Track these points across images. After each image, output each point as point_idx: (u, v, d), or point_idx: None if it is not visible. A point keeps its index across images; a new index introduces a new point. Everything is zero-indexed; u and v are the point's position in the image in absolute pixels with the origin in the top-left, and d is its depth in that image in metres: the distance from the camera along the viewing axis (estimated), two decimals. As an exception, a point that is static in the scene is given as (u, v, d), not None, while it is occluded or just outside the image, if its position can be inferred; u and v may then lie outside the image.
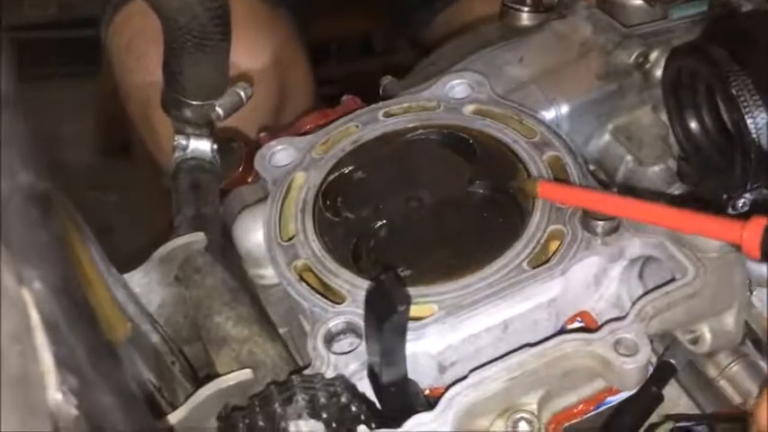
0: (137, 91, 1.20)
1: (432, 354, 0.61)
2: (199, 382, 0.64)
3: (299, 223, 0.70)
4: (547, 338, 0.60)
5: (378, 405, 0.58)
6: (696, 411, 0.69)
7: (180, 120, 0.82)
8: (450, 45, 0.94)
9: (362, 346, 0.59)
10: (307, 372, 0.59)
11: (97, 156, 2.04)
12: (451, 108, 0.77)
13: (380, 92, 0.90)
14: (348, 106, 0.86)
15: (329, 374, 0.58)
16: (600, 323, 0.62)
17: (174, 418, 0.57)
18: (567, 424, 0.63)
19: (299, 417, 0.54)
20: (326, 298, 0.64)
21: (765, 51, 0.69)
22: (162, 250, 0.71)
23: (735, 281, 0.64)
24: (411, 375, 0.59)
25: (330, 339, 0.61)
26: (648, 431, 0.65)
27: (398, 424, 0.56)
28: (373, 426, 0.55)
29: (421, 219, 0.69)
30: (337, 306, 0.63)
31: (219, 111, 0.80)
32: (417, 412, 0.57)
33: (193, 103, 0.80)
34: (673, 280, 0.62)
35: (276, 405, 0.54)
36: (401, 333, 0.56)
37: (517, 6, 0.92)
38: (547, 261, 0.63)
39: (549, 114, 0.80)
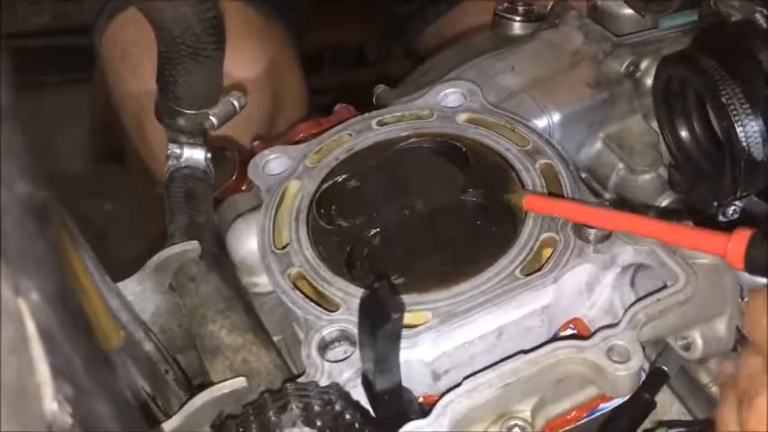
0: (131, 100, 1.20)
1: (426, 361, 0.61)
2: (193, 391, 0.64)
3: (292, 231, 0.70)
4: (540, 345, 0.61)
5: (372, 413, 0.59)
6: (688, 417, 0.70)
7: (174, 128, 0.82)
8: (442, 54, 0.95)
9: (356, 354, 0.60)
10: (301, 380, 0.59)
11: (91, 164, 2.04)
12: (444, 117, 0.78)
13: (373, 101, 0.90)
14: (341, 115, 0.86)
15: (323, 382, 0.59)
16: (593, 330, 0.62)
17: (168, 426, 0.57)
18: (560, 431, 0.64)
19: (294, 425, 0.54)
20: (320, 306, 0.64)
21: (755, 60, 0.69)
22: (156, 259, 0.71)
23: (726, 287, 0.65)
24: (405, 383, 0.59)
25: (324, 347, 0.61)
26: (641, 437, 0.65)
27: (393, 431, 0.56)
28: (367, 433, 0.56)
29: (414, 227, 0.70)
30: (331, 314, 0.63)
31: (213, 120, 0.81)
32: (411, 420, 0.57)
33: (187, 112, 0.80)
34: (664, 287, 0.63)
35: (270, 413, 0.54)
36: (395, 341, 0.56)
37: (509, 16, 0.92)
38: (539, 269, 0.64)
39: (541, 123, 0.81)
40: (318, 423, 0.54)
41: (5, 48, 0.35)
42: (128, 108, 1.23)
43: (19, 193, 0.32)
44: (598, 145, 0.84)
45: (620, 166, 0.82)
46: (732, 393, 0.57)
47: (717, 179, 0.72)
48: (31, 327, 0.34)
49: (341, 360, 0.60)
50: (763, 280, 0.67)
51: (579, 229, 0.65)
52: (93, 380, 0.36)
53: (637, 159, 0.82)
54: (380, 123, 0.78)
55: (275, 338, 0.72)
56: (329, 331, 0.62)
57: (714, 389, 0.70)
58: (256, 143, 0.89)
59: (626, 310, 0.61)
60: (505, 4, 0.93)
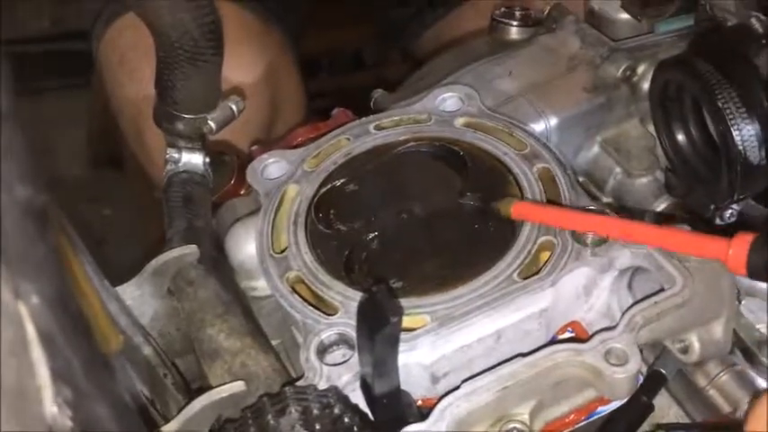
0: (129, 105, 1.21)
1: (424, 364, 0.61)
2: (191, 395, 0.64)
3: (291, 235, 0.70)
4: (538, 349, 0.61)
5: (370, 416, 0.59)
6: (686, 420, 0.70)
7: (172, 133, 0.82)
8: (440, 59, 0.95)
9: (355, 358, 0.60)
10: (299, 383, 0.59)
11: (89, 169, 2.04)
12: (442, 121, 0.78)
13: (371, 105, 0.91)
14: (339, 119, 0.87)
15: (322, 386, 0.59)
16: (590, 333, 0.63)
17: (167, 429, 0.57)
18: (558, 434, 0.64)
19: (292, 428, 0.54)
20: (319, 309, 0.64)
21: (750, 65, 0.70)
22: (154, 263, 0.71)
23: (723, 290, 0.65)
24: (404, 386, 0.59)
25: (323, 351, 0.61)
26: (639, 440, 0.65)
27: (391, 435, 0.56)
28: (366, 437, 0.56)
29: (412, 230, 0.70)
30: (330, 318, 0.63)
31: (212, 124, 0.81)
32: (410, 423, 0.57)
33: (186, 116, 0.80)
34: (661, 290, 0.63)
35: (269, 417, 0.54)
36: (393, 344, 0.56)
37: (506, 21, 0.93)
38: (537, 272, 0.64)
39: (538, 127, 0.81)
40: (317, 426, 0.54)
41: (5, 52, 0.35)
42: (126, 113, 1.23)
43: (19, 196, 0.32)
44: (595, 149, 0.84)
45: (618, 169, 0.83)
46: None
47: (713, 183, 0.73)
48: (30, 330, 0.34)
49: (339, 363, 0.60)
50: (761, 284, 0.67)
51: (577, 233, 0.65)
52: (92, 383, 0.37)
53: (634, 163, 0.82)
54: (378, 127, 0.79)
55: (274, 342, 0.72)
56: (328, 335, 0.62)
57: (711, 392, 0.70)
58: (255, 147, 0.89)
59: (623, 314, 0.61)
60: (503, 9, 0.93)
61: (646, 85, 0.81)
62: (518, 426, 0.59)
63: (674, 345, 0.66)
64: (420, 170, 0.76)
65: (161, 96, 0.80)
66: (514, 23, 0.93)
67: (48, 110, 1.88)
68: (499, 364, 0.60)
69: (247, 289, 0.76)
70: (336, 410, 0.55)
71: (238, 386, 0.60)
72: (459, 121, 0.78)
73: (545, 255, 0.65)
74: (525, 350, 0.62)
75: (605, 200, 0.83)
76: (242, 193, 0.86)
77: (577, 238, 0.65)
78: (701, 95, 0.71)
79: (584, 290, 0.66)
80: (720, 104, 0.68)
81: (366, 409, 0.59)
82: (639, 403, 0.64)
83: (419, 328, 0.61)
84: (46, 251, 0.34)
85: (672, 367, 0.68)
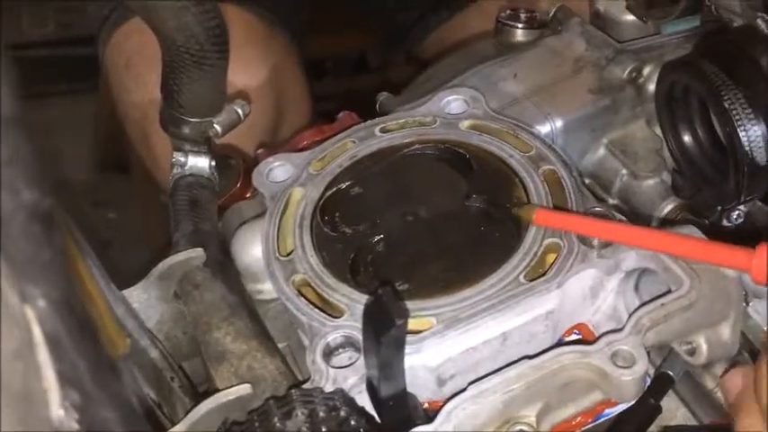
0: (135, 109, 1.21)
1: (430, 367, 0.61)
2: (198, 398, 0.64)
3: (297, 238, 0.70)
4: (545, 351, 0.61)
5: (377, 418, 0.59)
6: (694, 422, 0.69)
7: (178, 137, 0.82)
8: (445, 61, 0.95)
9: (361, 360, 0.60)
10: (306, 386, 0.59)
11: (96, 172, 2.05)
12: (448, 123, 0.78)
13: (377, 108, 0.91)
14: (345, 122, 0.87)
15: (328, 388, 0.59)
16: (597, 335, 0.62)
17: (173, 433, 0.57)
18: (565, 436, 0.64)
19: (299, 431, 0.54)
20: (325, 312, 0.64)
21: (756, 66, 0.70)
22: (161, 266, 0.71)
23: (730, 292, 0.65)
24: (410, 388, 0.59)
25: (329, 353, 0.61)
26: (647, 443, 0.65)
27: (398, 437, 0.56)
28: (372, 439, 0.56)
29: (418, 233, 0.70)
30: (336, 320, 0.63)
31: (217, 128, 0.81)
32: (416, 425, 0.57)
33: (191, 120, 0.80)
34: (668, 292, 0.63)
35: (275, 420, 0.54)
36: (399, 347, 0.56)
37: (511, 23, 0.93)
38: (544, 274, 0.64)
39: (543, 129, 0.81)
40: (323, 429, 0.54)
41: (10, 57, 0.35)
42: (132, 117, 1.23)
43: (25, 200, 0.33)
44: (601, 151, 0.84)
45: (624, 171, 0.83)
46: (754, 407, 0.56)
47: (720, 184, 0.73)
48: (37, 333, 0.34)
49: (345, 366, 0.60)
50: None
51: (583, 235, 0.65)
52: (99, 387, 0.37)
53: (640, 165, 0.82)
54: (384, 130, 0.79)
55: (280, 345, 0.72)
56: (334, 337, 0.62)
57: (719, 394, 0.70)
58: (260, 151, 0.89)
59: (630, 315, 0.61)
60: (508, 12, 0.93)
61: (652, 87, 0.81)
62: (525, 428, 0.59)
63: (682, 346, 0.66)
64: (425, 173, 0.76)
65: (167, 100, 0.80)
66: (520, 26, 0.93)
67: (53, 115, 1.89)
68: (505, 366, 0.60)
69: (253, 292, 0.76)
70: (343, 413, 0.55)
71: (245, 389, 0.60)
72: (465, 124, 0.78)
73: (551, 257, 0.65)
74: (532, 352, 0.61)
75: (611, 202, 0.83)
76: (248, 196, 0.86)
77: (584, 240, 0.65)
78: (708, 97, 0.71)
79: (591, 292, 0.66)
80: (727, 106, 0.68)
81: (372, 412, 0.59)
82: (647, 405, 0.64)
83: (425, 330, 0.61)
84: (52, 255, 0.34)
85: (679, 369, 0.67)
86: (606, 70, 0.83)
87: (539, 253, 0.65)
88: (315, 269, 0.67)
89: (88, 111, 1.93)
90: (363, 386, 0.59)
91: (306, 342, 0.67)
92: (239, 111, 0.82)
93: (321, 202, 0.73)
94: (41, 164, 0.35)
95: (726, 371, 0.67)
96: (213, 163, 0.84)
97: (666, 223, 0.79)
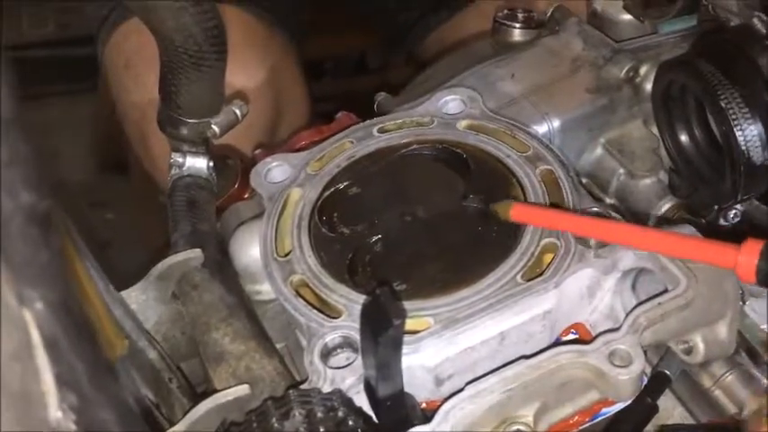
0: (134, 109, 1.21)
1: (428, 367, 0.61)
2: (196, 398, 0.65)
3: (295, 239, 0.70)
4: (542, 350, 0.61)
5: (375, 419, 0.59)
6: (691, 421, 0.70)
7: (176, 138, 0.82)
8: (443, 62, 0.95)
9: (359, 361, 0.60)
10: (304, 386, 0.59)
11: (95, 173, 2.05)
12: (445, 123, 0.78)
13: (375, 108, 0.91)
14: (343, 122, 0.87)
15: (326, 389, 0.59)
16: (594, 335, 0.63)
17: (172, 433, 0.57)
18: (563, 436, 0.64)
19: (297, 431, 0.54)
20: (323, 313, 0.64)
21: (753, 65, 0.70)
22: (159, 267, 0.71)
23: (727, 291, 0.65)
24: (407, 388, 0.59)
25: (327, 354, 0.61)
26: (644, 442, 0.65)
27: (395, 437, 0.56)
28: (370, 439, 0.56)
29: (416, 233, 0.70)
30: (334, 321, 0.63)
31: (215, 128, 0.81)
32: (414, 425, 0.57)
33: (189, 121, 0.81)
34: (665, 291, 0.63)
35: (273, 420, 0.54)
36: (397, 347, 0.56)
37: (509, 23, 0.93)
38: (541, 274, 0.64)
39: (541, 129, 0.81)
40: (321, 429, 0.54)
41: (9, 58, 0.35)
42: (131, 117, 1.24)
43: (23, 202, 0.33)
44: (598, 150, 0.84)
45: (621, 171, 0.83)
46: None
47: (717, 183, 0.73)
48: (35, 335, 0.34)
49: (343, 366, 0.60)
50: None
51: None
52: (96, 388, 0.37)
53: (637, 164, 0.82)
54: (382, 130, 0.79)
55: (278, 345, 0.72)
56: (332, 338, 0.62)
57: (716, 392, 0.70)
58: (258, 151, 0.89)
59: (627, 315, 0.61)
60: (505, 12, 0.93)
61: (649, 86, 0.81)
62: (522, 428, 0.59)
63: (678, 346, 0.66)
64: (423, 173, 0.76)
65: (165, 101, 0.81)
66: (517, 25, 0.93)
67: (52, 115, 1.89)
68: (503, 366, 0.60)
69: (251, 292, 0.76)
70: (340, 413, 0.56)
71: (243, 390, 0.60)
72: (462, 124, 0.78)
73: (548, 257, 0.65)
74: (529, 352, 0.62)
75: (609, 201, 0.83)
76: (246, 196, 0.86)
77: (581, 239, 0.65)
78: (704, 96, 0.71)
79: (588, 291, 0.66)
80: (723, 105, 0.68)
81: (370, 412, 0.59)
82: (644, 404, 0.64)
83: (423, 330, 0.62)
84: (50, 257, 0.34)
85: (676, 368, 0.68)
86: (603, 70, 0.84)
87: (536, 253, 0.65)
88: (313, 269, 0.67)
89: (87, 111, 1.93)
90: (361, 386, 0.60)
91: (304, 342, 0.67)
92: (237, 111, 0.82)
93: (319, 202, 0.73)
94: (40, 166, 0.35)
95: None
96: (211, 163, 0.84)
97: (664, 222, 0.79)
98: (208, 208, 0.82)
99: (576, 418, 0.63)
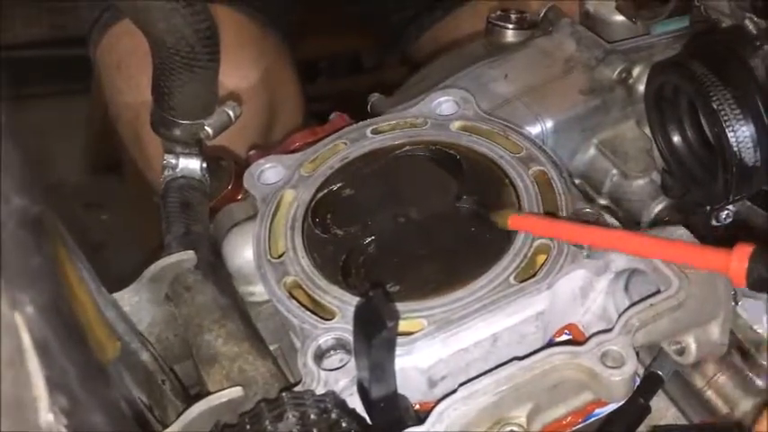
0: (127, 110, 1.21)
1: (421, 368, 0.61)
2: (190, 400, 0.65)
3: (288, 240, 0.70)
4: (535, 351, 0.61)
5: (368, 420, 0.59)
6: (684, 422, 0.70)
7: (169, 139, 0.82)
8: (436, 63, 0.95)
9: (352, 362, 0.60)
10: (297, 388, 0.59)
11: (88, 174, 2.05)
12: (438, 125, 0.78)
13: (368, 109, 0.91)
14: (336, 124, 0.87)
15: (319, 391, 0.59)
16: (587, 335, 0.63)
17: (165, 436, 0.57)
18: (556, 436, 0.64)
19: (290, 433, 0.54)
20: (316, 314, 0.64)
21: (745, 66, 0.70)
22: (152, 269, 0.71)
23: (719, 291, 0.65)
24: (401, 390, 0.59)
25: (320, 356, 0.61)
26: (637, 442, 0.65)
27: (389, 439, 0.56)
28: (364, 441, 0.56)
29: (409, 234, 0.70)
30: (327, 322, 0.63)
31: (209, 130, 0.81)
32: (407, 427, 0.57)
33: (182, 122, 0.80)
34: (658, 292, 0.63)
35: (267, 422, 0.54)
36: (390, 349, 0.56)
37: (502, 24, 0.93)
38: (534, 275, 0.64)
39: (534, 130, 0.82)
40: (315, 431, 0.54)
41: (2, 59, 0.35)
42: (124, 118, 1.23)
43: (15, 207, 0.33)
44: (592, 151, 0.84)
45: (614, 171, 0.83)
46: None
47: (709, 184, 0.73)
48: (27, 340, 0.34)
49: (337, 368, 0.60)
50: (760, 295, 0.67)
51: (573, 236, 0.65)
52: (87, 391, 0.37)
53: (630, 165, 0.82)
54: (375, 132, 0.79)
55: (271, 347, 0.72)
56: (325, 339, 0.62)
57: (709, 393, 0.70)
58: (252, 152, 0.89)
59: (620, 316, 0.62)
60: (498, 12, 0.93)
61: (641, 87, 0.81)
62: (515, 429, 0.60)
63: (671, 346, 0.66)
64: (416, 174, 0.76)
65: (158, 102, 0.80)
66: (510, 26, 0.93)
67: (46, 115, 1.88)
68: (496, 367, 0.60)
69: (245, 294, 0.76)
70: (334, 415, 0.56)
71: (236, 392, 0.60)
72: (455, 125, 0.78)
73: (541, 258, 0.65)
74: (522, 353, 0.62)
75: (602, 202, 0.83)
76: (239, 198, 0.86)
77: (573, 240, 0.65)
78: (696, 97, 0.71)
79: (581, 292, 0.66)
80: (715, 106, 0.68)
81: (363, 414, 0.59)
82: (637, 405, 0.65)
83: (416, 332, 0.62)
84: (42, 262, 0.34)
85: (668, 369, 0.68)
86: (596, 71, 0.84)
87: (529, 254, 0.65)
88: (306, 271, 0.67)
89: (80, 112, 1.93)
90: (354, 388, 0.60)
91: (297, 344, 0.67)
92: (230, 113, 0.82)
93: (312, 203, 0.73)
94: (31, 171, 0.35)
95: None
96: (204, 165, 0.84)
97: (657, 223, 0.79)
98: (201, 209, 0.82)
99: (570, 418, 0.64)
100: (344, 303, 0.64)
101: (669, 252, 0.61)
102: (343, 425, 0.55)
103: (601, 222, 0.67)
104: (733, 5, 0.74)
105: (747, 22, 0.71)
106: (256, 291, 0.75)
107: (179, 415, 0.59)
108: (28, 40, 2.10)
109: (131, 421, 0.54)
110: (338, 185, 0.74)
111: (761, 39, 0.70)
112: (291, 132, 0.90)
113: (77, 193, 1.91)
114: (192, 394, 0.70)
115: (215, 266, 0.75)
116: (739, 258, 0.56)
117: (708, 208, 0.76)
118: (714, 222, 0.76)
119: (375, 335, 0.54)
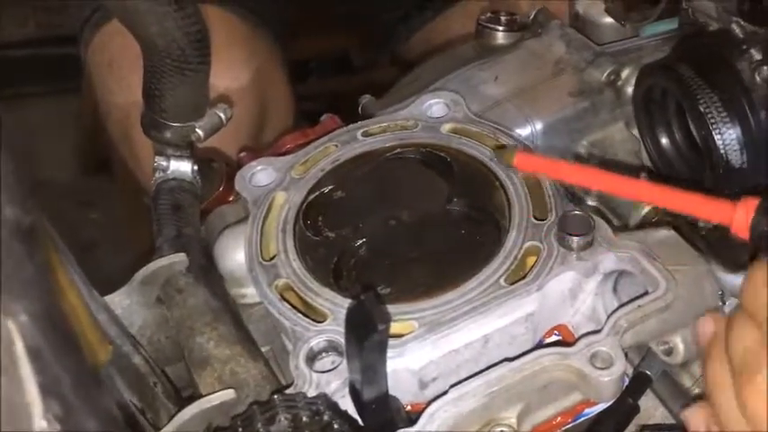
0: (117, 111, 1.20)
1: (412, 370, 0.62)
2: (182, 403, 0.65)
3: (279, 243, 0.70)
4: (525, 353, 0.62)
5: (360, 422, 0.59)
6: (672, 421, 0.71)
7: (160, 141, 0.82)
8: (426, 65, 0.96)
9: (344, 364, 0.60)
10: (289, 391, 0.60)
11: (79, 173, 2.04)
12: (429, 127, 0.79)
13: (359, 111, 0.91)
14: (327, 126, 0.87)
15: (311, 393, 0.59)
16: (577, 336, 0.63)
17: (157, 439, 0.58)
18: (546, 436, 0.65)
19: (282, 436, 0.54)
20: (308, 317, 0.65)
21: (732, 70, 0.71)
22: (143, 271, 0.71)
23: (706, 292, 0.66)
24: (392, 391, 0.60)
25: (312, 358, 0.62)
26: (626, 442, 0.66)
27: (380, 440, 0.57)
28: (356, 443, 0.56)
29: (400, 237, 0.71)
30: (319, 325, 0.64)
31: (200, 132, 0.81)
32: (399, 428, 0.58)
33: (173, 124, 0.81)
34: (646, 293, 0.64)
35: (259, 425, 0.55)
36: (381, 351, 0.57)
37: (492, 26, 0.93)
38: (524, 277, 0.65)
39: (524, 131, 0.82)
40: (306, 434, 0.55)
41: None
42: (115, 118, 1.23)
43: (6, 217, 0.33)
44: (581, 153, 0.85)
45: (603, 173, 0.83)
46: (723, 356, 0.54)
47: (696, 185, 0.74)
48: (20, 347, 0.34)
49: (329, 370, 0.61)
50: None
51: (562, 238, 0.66)
52: (80, 398, 0.37)
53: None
54: (366, 134, 0.79)
55: (263, 349, 0.72)
56: (317, 342, 0.62)
57: (697, 392, 0.71)
58: (243, 154, 0.89)
59: (608, 317, 0.62)
60: (488, 14, 0.94)
61: (630, 89, 0.82)
62: (505, 429, 0.60)
63: (659, 346, 0.67)
64: (407, 176, 0.76)
65: (148, 104, 0.80)
66: (500, 29, 0.93)
67: (35, 115, 1.87)
68: (487, 368, 0.61)
69: (236, 296, 0.76)
70: (326, 417, 0.56)
71: (228, 394, 0.60)
72: (446, 127, 0.78)
73: (531, 259, 0.66)
74: (513, 354, 0.62)
75: (591, 203, 0.83)
76: (230, 200, 0.86)
77: (563, 242, 0.66)
78: (684, 100, 0.72)
79: (570, 293, 0.67)
80: (702, 109, 0.69)
81: (355, 416, 0.60)
82: (625, 405, 0.65)
83: (407, 334, 0.62)
84: (34, 271, 0.34)
85: (657, 369, 0.68)
86: (586, 73, 0.84)
87: (519, 256, 0.66)
88: (298, 273, 0.68)
89: (71, 111, 1.92)
90: (346, 390, 0.60)
91: (289, 346, 0.67)
92: (221, 115, 0.82)
93: (304, 206, 0.73)
94: (24, 179, 0.35)
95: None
96: (195, 167, 0.84)
97: (645, 225, 0.80)
98: (192, 212, 0.82)
99: (559, 419, 0.64)
100: (336, 306, 0.65)
101: (674, 200, 0.60)
102: (335, 426, 0.56)
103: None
104: (720, 9, 0.75)
105: (734, 25, 0.72)
106: (248, 293, 0.75)
107: (171, 418, 0.59)
108: (18, 39, 2.09)
109: (124, 426, 0.55)
110: (329, 188, 0.75)
111: (747, 42, 0.71)
112: (282, 134, 0.90)
113: (68, 191, 1.90)
114: (184, 397, 0.71)
115: (206, 269, 0.75)
116: (745, 210, 0.55)
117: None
118: (701, 224, 0.77)
119: (366, 337, 0.55)
